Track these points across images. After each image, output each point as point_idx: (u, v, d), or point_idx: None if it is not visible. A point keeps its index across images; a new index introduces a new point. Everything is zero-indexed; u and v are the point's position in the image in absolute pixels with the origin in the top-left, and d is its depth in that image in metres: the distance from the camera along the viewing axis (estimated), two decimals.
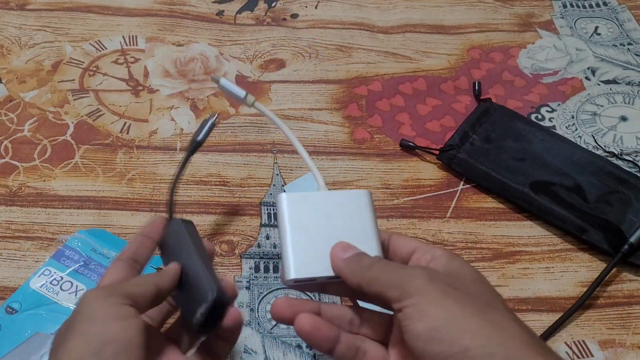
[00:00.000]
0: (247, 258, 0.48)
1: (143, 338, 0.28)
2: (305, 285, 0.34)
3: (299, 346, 0.44)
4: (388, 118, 0.58)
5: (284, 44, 0.65)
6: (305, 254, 0.32)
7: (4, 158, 0.54)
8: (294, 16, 0.68)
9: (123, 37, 0.65)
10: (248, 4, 0.69)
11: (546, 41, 0.66)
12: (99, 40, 0.64)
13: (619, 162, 0.54)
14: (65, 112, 0.58)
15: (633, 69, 0.63)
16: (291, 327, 0.45)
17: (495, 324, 0.26)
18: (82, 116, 0.58)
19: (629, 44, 0.66)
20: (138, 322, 0.28)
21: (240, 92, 0.43)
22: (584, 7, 0.70)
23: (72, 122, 0.57)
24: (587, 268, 0.48)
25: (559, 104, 0.60)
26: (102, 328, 0.27)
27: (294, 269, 0.32)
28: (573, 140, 0.56)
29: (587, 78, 0.62)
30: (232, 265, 0.48)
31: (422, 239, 0.50)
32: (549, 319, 0.45)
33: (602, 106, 0.60)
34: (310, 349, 0.44)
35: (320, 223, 0.33)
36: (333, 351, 0.31)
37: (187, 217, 0.51)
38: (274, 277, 0.47)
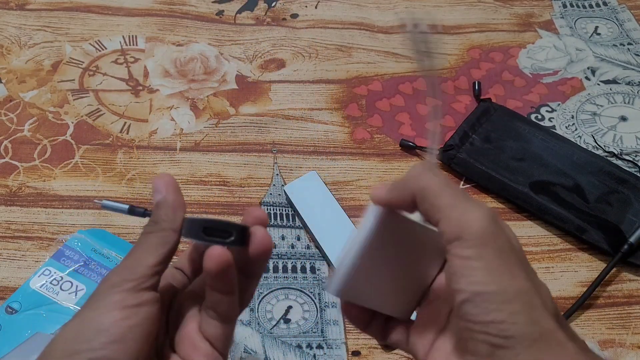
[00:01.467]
0: None
1: (147, 328, 0.27)
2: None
3: (299, 346, 0.44)
4: (388, 118, 0.58)
5: (284, 43, 0.65)
6: (363, 279, 0.28)
7: (4, 158, 0.54)
8: (294, 16, 0.68)
9: (123, 37, 0.65)
10: (248, 3, 0.69)
11: (546, 41, 0.66)
12: (98, 40, 0.64)
13: (619, 162, 0.54)
14: (65, 112, 0.58)
15: (633, 69, 0.63)
16: (291, 327, 0.45)
17: (536, 301, 0.25)
18: (82, 116, 0.58)
19: (629, 43, 0.66)
20: (146, 311, 0.27)
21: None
22: (584, 7, 0.70)
23: (72, 122, 0.57)
24: (587, 268, 0.48)
25: (559, 104, 0.60)
26: (100, 316, 0.26)
27: (342, 291, 0.28)
28: (573, 140, 0.56)
29: (587, 78, 0.62)
30: None
31: None
32: None
33: (602, 106, 0.60)
34: (310, 350, 0.44)
35: (397, 254, 0.29)
36: (367, 328, 0.31)
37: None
38: (274, 277, 0.47)
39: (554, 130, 0.57)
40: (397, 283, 0.29)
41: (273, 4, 0.69)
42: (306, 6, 0.69)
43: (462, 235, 0.25)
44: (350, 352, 0.44)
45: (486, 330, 0.24)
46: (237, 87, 0.61)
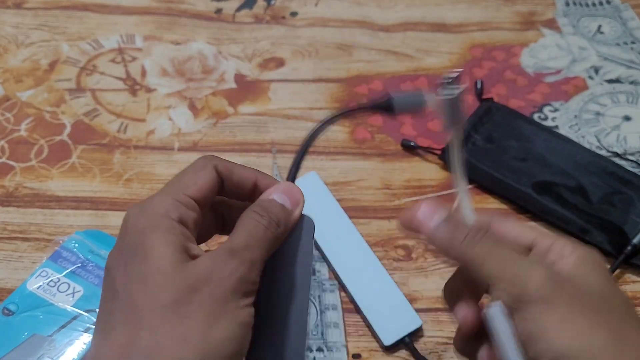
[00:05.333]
0: None
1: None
2: None
3: None
4: (388, 118, 0.58)
5: (284, 42, 0.64)
6: None
7: (1, 158, 0.54)
8: (294, 14, 0.67)
9: (120, 35, 0.64)
10: (247, 1, 0.68)
11: (549, 40, 0.65)
12: (96, 39, 0.64)
13: (622, 162, 0.54)
14: (62, 111, 0.57)
15: (637, 68, 0.62)
16: None
17: (628, 353, 0.23)
18: (79, 116, 0.57)
19: (633, 42, 0.65)
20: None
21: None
22: (587, 5, 0.69)
23: (69, 122, 0.57)
24: None
25: (562, 104, 0.59)
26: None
27: None
28: (576, 140, 0.55)
29: (590, 77, 0.62)
30: None
31: (423, 240, 0.49)
32: None
33: (605, 105, 0.59)
34: (310, 352, 0.43)
35: None
36: None
37: None
38: None
39: (556, 130, 0.56)
40: None
41: (272, 2, 0.68)
42: (306, 4, 0.68)
43: (525, 293, 0.23)
44: (350, 355, 0.43)
45: None
46: (235, 86, 0.60)
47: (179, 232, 0.24)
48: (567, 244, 0.26)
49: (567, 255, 0.25)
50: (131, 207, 0.26)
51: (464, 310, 0.26)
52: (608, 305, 0.24)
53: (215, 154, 0.55)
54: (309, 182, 0.51)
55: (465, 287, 0.28)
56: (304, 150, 0.31)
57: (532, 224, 0.49)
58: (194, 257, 0.24)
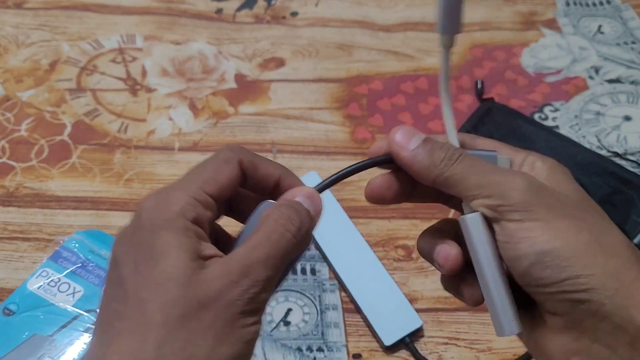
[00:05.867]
0: None
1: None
2: None
3: (299, 349, 0.43)
4: (389, 117, 0.58)
5: (284, 42, 0.64)
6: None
7: (1, 158, 0.54)
8: (294, 14, 0.67)
9: (120, 35, 0.64)
10: (247, 1, 0.68)
11: (549, 40, 0.65)
12: (96, 39, 0.64)
13: (623, 162, 0.54)
14: (63, 111, 0.57)
15: (637, 68, 0.62)
16: (291, 329, 0.44)
17: (609, 251, 0.23)
18: (79, 116, 0.57)
19: (633, 42, 0.65)
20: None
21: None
22: (588, 5, 0.69)
23: (70, 122, 0.57)
24: None
25: (562, 104, 0.59)
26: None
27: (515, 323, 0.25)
28: (576, 140, 0.55)
29: (590, 77, 0.62)
30: None
31: None
32: None
33: (605, 105, 0.59)
34: (311, 352, 0.43)
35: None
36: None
37: None
38: None
39: (557, 130, 0.56)
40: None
41: (272, 2, 0.68)
42: (306, 4, 0.68)
43: (507, 202, 0.24)
44: (351, 355, 0.43)
45: (563, 289, 0.23)
46: (236, 86, 0.60)
47: (193, 234, 0.23)
48: (538, 157, 0.27)
49: (540, 167, 0.26)
50: (149, 195, 0.24)
51: (445, 250, 0.26)
52: (584, 209, 0.25)
53: None
54: (310, 182, 0.51)
55: (441, 233, 0.27)
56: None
57: None
58: (207, 258, 0.23)
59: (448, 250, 0.26)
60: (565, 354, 0.24)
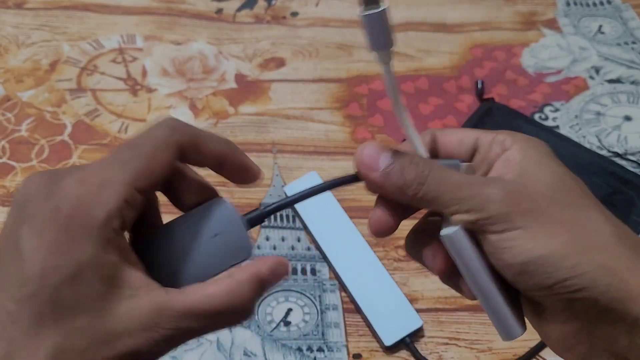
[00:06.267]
0: (247, 260, 0.48)
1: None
2: None
3: (299, 349, 0.43)
4: (390, 117, 0.58)
5: (284, 42, 0.64)
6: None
7: (1, 158, 0.54)
8: (294, 14, 0.67)
9: (121, 35, 0.64)
10: (247, 1, 0.68)
11: (549, 40, 0.65)
12: (96, 39, 0.64)
13: (623, 162, 0.54)
14: (63, 111, 0.57)
15: (637, 68, 0.62)
16: (292, 329, 0.44)
17: (594, 247, 0.23)
18: (79, 116, 0.57)
19: (633, 42, 0.65)
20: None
21: None
22: (588, 5, 0.69)
23: (70, 122, 0.57)
24: None
25: (563, 104, 0.59)
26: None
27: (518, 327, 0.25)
28: (577, 140, 0.55)
29: (590, 77, 0.62)
30: None
31: None
32: None
33: (606, 105, 0.59)
34: (311, 352, 0.43)
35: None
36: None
37: None
38: None
39: (557, 130, 0.56)
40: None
41: (273, 2, 0.68)
42: (306, 4, 0.68)
43: (485, 214, 0.23)
44: (351, 355, 0.43)
45: (554, 292, 0.23)
46: (236, 86, 0.60)
47: (115, 248, 0.21)
48: (506, 136, 0.26)
49: (510, 146, 0.26)
50: (67, 174, 0.21)
51: (431, 254, 0.26)
52: (562, 198, 0.24)
53: None
54: (310, 181, 0.51)
55: (426, 233, 0.27)
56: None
57: None
58: (129, 279, 0.21)
59: (434, 255, 0.26)
60: (569, 342, 0.24)
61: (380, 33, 0.24)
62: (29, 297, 0.20)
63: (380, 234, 0.27)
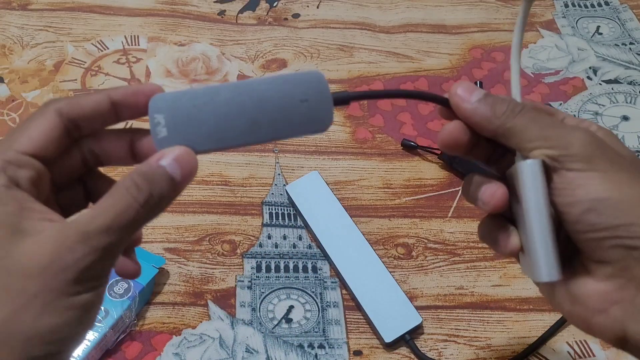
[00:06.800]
0: (248, 258, 0.48)
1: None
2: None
3: (300, 346, 0.44)
4: (389, 118, 0.58)
5: (286, 43, 0.65)
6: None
7: None
8: (296, 16, 0.68)
9: (125, 37, 0.65)
10: (249, 3, 0.69)
11: (548, 41, 0.66)
12: (100, 40, 0.64)
13: None
14: None
15: (635, 69, 0.63)
16: (293, 327, 0.45)
17: None
18: None
19: (631, 43, 0.65)
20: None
21: None
22: (586, 6, 0.70)
23: None
24: None
25: (561, 104, 0.60)
26: None
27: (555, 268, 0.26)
28: None
29: (588, 78, 0.62)
30: (234, 265, 0.48)
31: (423, 239, 0.50)
32: (551, 318, 0.45)
33: (603, 106, 0.60)
34: (312, 349, 0.44)
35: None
36: None
37: (189, 216, 0.51)
38: (276, 277, 0.47)
39: None
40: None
41: (275, 4, 0.69)
42: (308, 6, 0.69)
43: (569, 152, 0.24)
44: (351, 352, 0.44)
45: (616, 234, 0.23)
46: None
47: (9, 200, 0.22)
48: (592, 123, 0.28)
49: (595, 130, 0.27)
50: None
51: (492, 188, 0.26)
52: (638, 167, 0.25)
53: (218, 153, 0.56)
54: (311, 181, 0.51)
55: (488, 176, 0.28)
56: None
57: None
58: (34, 220, 0.22)
59: (495, 189, 0.26)
60: (605, 302, 0.25)
61: None
62: None
63: (447, 143, 0.27)
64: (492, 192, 0.26)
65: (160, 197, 0.23)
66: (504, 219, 0.28)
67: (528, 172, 0.25)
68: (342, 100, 0.26)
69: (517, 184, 0.26)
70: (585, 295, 0.25)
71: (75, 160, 0.26)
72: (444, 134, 0.27)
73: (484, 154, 0.28)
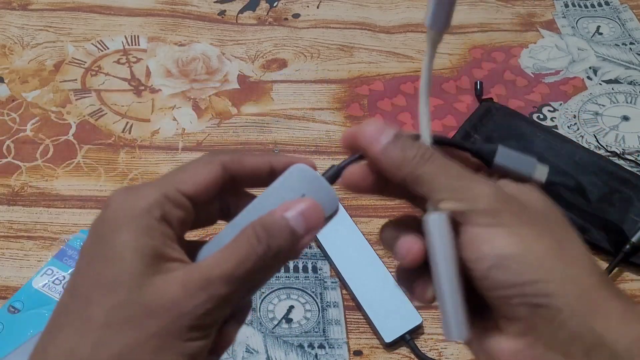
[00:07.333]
0: None
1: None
2: None
3: (300, 346, 0.44)
4: (390, 118, 0.58)
5: (286, 43, 0.65)
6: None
7: (7, 158, 0.54)
8: (296, 16, 0.68)
9: (125, 37, 0.65)
10: (250, 3, 0.69)
11: (548, 41, 0.66)
12: (101, 40, 0.64)
13: (621, 162, 0.54)
14: (68, 112, 0.58)
15: (635, 69, 0.63)
16: (293, 327, 0.45)
17: (570, 259, 0.23)
18: (84, 116, 0.58)
19: (631, 43, 0.65)
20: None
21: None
22: (586, 6, 0.70)
23: (74, 122, 0.57)
24: None
25: (561, 104, 0.60)
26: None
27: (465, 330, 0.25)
28: (575, 140, 0.56)
29: (588, 78, 0.62)
30: None
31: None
32: None
33: (603, 106, 0.60)
34: (312, 349, 0.44)
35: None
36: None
37: None
38: (276, 277, 0.47)
39: (555, 130, 0.57)
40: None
41: (275, 4, 0.69)
42: (308, 6, 0.69)
43: (475, 207, 0.24)
44: (352, 352, 0.44)
45: (521, 292, 0.23)
46: (239, 87, 0.61)
47: (157, 234, 0.22)
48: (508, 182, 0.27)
49: (508, 182, 0.26)
50: (120, 189, 0.24)
51: (409, 242, 0.26)
52: (549, 220, 0.25)
53: None
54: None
55: (405, 225, 0.27)
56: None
57: None
58: (170, 261, 0.22)
59: (411, 244, 0.26)
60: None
61: (443, 11, 0.25)
62: (73, 281, 0.23)
63: (347, 186, 0.27)
64: (408, 247, 0.26)
65: (278, 250, 0.23)
66: (421, 267, 0.26)
67: (435, 227, 0.25)
68: (334, 177, 0.26)
69: (426, 236, 0.25)
70: (498, 353, 0.24)
71: (216, 205, 0.27)
72: (344, 177, 0.27)
73: (400, 194, 0.28)
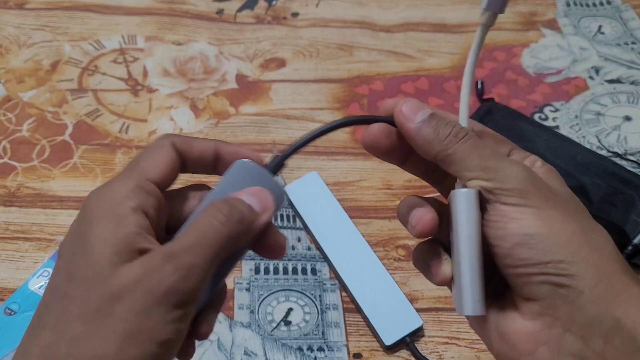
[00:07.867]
0: (247, 260, 0.48)
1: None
2: None
3: (299, 349, 0.43)
4: None
5: (285, 42, 0.64)
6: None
7: (2, 158, 0.54)
8: (295, 15, 0.67)
9: (122, 36, 0.64)
10: (248, 2, 0.68)
11: (549, 40, 0.65)
12: (97, 40, 0.64)
13: (623, 162, 0.54)
14: (64, 112, 0.58)
15: (637, 69, 0.62)
16: (292, 329, 0.44)
17: (594, 244, 0.24)
18: (80, 116, 0.57)
19: (633, 42, 0.65)
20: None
21: None
22: (588, 5, 0.69)
23: (71, 122, 0.57)
24: None
25: (563, 104, 0.59)
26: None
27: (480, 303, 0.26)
28: (577, 140, 0.55)
29: (590, 77, 0.62)
30: None
31: None
32: None
33: (606, 106, 0.59)
34: (311, 352, 0.43)
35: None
36: None
37: None
38: (275, 279, 0.47)
39: (557, 130, 0.56)
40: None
41: (273, 3, 0.68)
42: (307, 5, 0.68)
43: (505, 186, 0.24)
44: (351, 355, 0.43)
45: (544, 271, 0.23)
46: (237, 87, 0.60)
47: (132, 223, 0.22)
48: (537, 158, 0.28)
49: (538, 167, 0.27)
50: (96, 188, 0.24)
51: (421, 212, 0.26)
52: (574, 207, 0.26)
53: None
54: (310, 182, 0.51)
55: (423, 201, 0.27)
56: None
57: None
58: (143, 252, 0.22)
59: (424, 213, 0.26)
60: (533, 342, 0.24)
61: None
62: (52, 280, 0.23)
63: (366, 142, 0.28)
64: (420, 216, 0.26)
65: (241, 218, 0.24)
66: (439, 246, 0.27)
67: (462, 202, 0.25)
68: (277, 167, 0.27)
69: (452, 211, 0.26)
70: (513, 334, 0.25)
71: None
72: (365, 133, 0.28)
73: (420, 170, 0.28)
